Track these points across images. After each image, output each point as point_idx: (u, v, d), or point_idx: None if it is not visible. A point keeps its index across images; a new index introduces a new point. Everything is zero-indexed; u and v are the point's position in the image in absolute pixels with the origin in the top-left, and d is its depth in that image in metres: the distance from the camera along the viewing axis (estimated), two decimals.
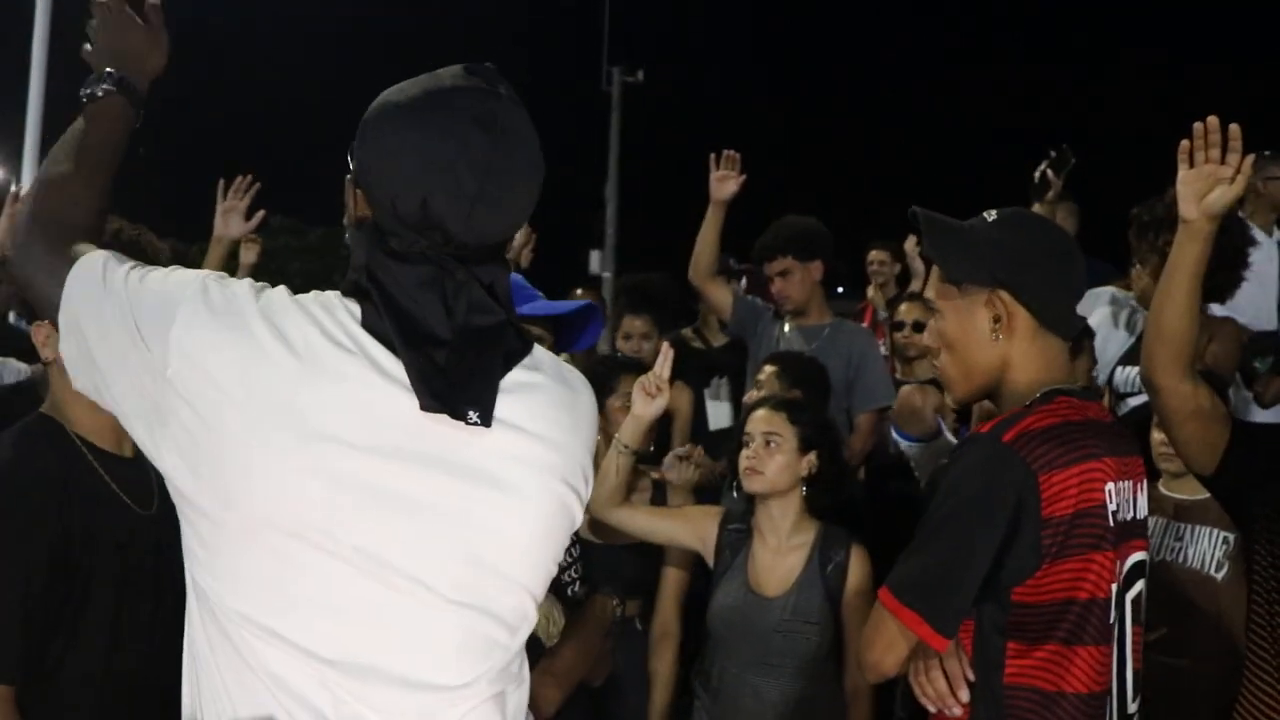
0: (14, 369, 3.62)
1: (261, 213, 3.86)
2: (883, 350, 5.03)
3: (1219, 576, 2.91)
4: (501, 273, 1.42)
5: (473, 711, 1.39)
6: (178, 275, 1.38)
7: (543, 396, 1.44)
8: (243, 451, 1.29)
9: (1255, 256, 4.95)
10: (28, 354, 4.16)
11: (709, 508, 3.24)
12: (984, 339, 1.98)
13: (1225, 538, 2.92)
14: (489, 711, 1.41)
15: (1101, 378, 4.13)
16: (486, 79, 1.38)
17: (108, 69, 1.57)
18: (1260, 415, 4.18)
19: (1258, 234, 5.06)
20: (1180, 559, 3.00)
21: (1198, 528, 2.99)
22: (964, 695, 1.88)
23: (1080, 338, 3.30)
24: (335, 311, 1.35)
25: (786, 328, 4.45)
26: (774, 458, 2.94)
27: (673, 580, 3.28)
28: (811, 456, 2.97)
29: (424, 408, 1.31)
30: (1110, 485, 1.88)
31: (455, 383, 1.32)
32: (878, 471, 4.24)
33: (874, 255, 6.23)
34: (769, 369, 3.79)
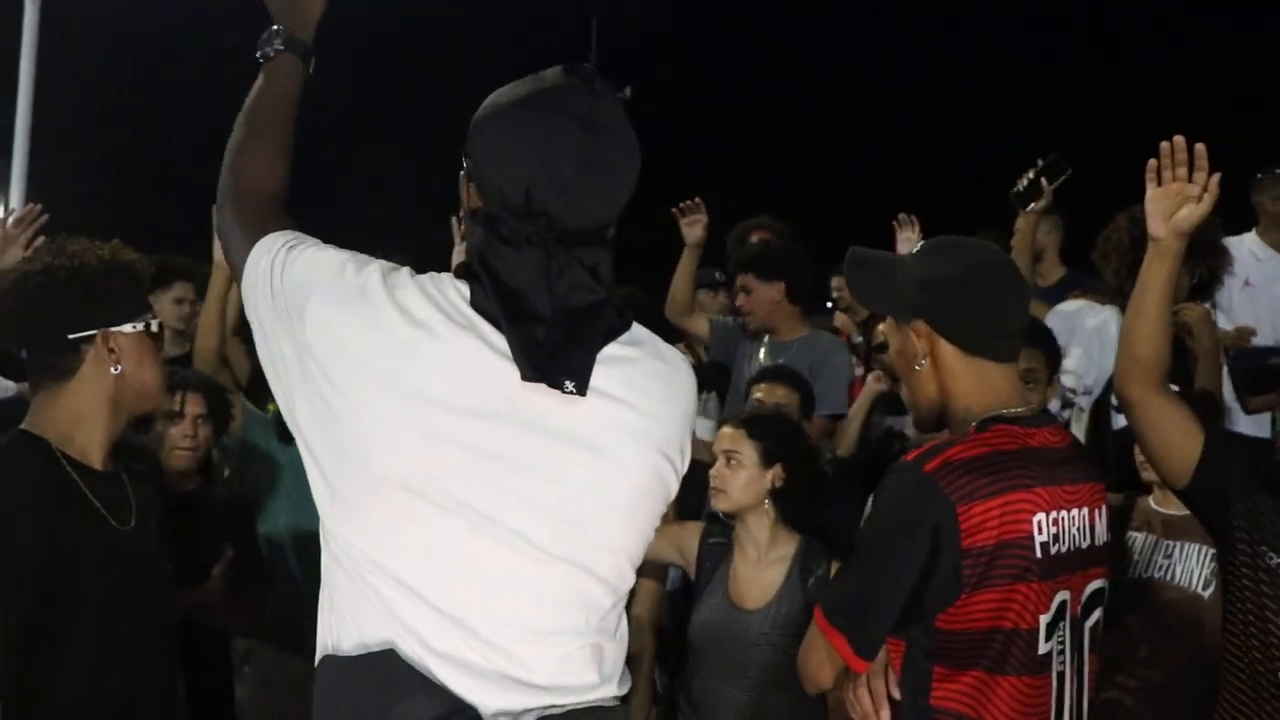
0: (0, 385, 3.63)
1: None
2: (858, 370, 5.03)
3: (1206, 594, 2.89)
4: (604, 255, 1.51)
5: (569, 657, 1.48)
6: (325, 256, 1.53)
7: (640, 369, 1.53)
8: (364, 410, 1.43)
9: (1263, 275, 4.97)
10: (12, 372, 4.19)
11: (690, 523, 3.25)
12: (916, 370, 2.04)
13: (1213, 554, 2.87)
14: (584, 659, 1.50)
15: (1097, 392, 4.12)
16: (584, 78, 1.51)
17: (275, 26, 1.73)
18: (1242, 423, 4.20)
19: (1265, 251, 5.06)
20: (1168, 576, 2.99)
21: (1186, 545, 2.98)
22: (885, 715, 1.92)
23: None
24: (447, 291, 1.48)
25: (762, 350, 4.48)
26: (736, 475, 2.97)
27: (646, 592, 3.29)
28: (777, 469, 2.98)
29: (525, 378, 1.43)
30: (1041, 516, 1.88)
31: (554, 356, 1.44)
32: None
33: (836, 282, 6.10)
34: (761, 387, 3.82)
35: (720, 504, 2.98)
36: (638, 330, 1.57)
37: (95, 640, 2.01)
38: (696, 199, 4.66)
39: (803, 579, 2.93)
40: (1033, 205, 4.01)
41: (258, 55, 1.73)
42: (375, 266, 1.51)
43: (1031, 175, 3.99)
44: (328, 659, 1.49)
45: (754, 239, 4.97)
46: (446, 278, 1.51)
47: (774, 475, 2.98)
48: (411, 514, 1.44)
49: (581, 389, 1.45)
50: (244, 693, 3.48)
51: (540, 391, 1.44)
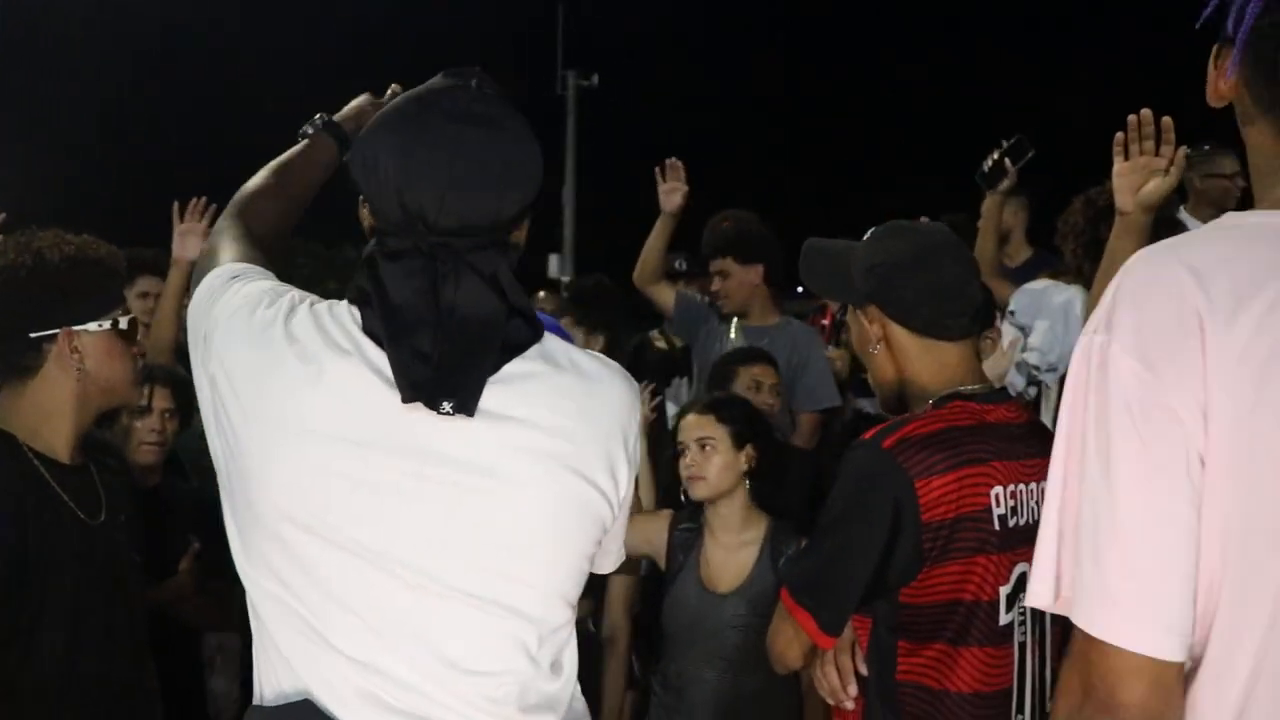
0: None
1: None
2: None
3: None
4: (503, 260, 1.42)
5: (492, 696, 1.40)
6: (249, 289, 1.49)
7: (544, 384, 1.43)
8: (258, 447, 1.40)
9: None
10: None
11: (658, 511, 3.24)
12: (872, 353, 2.08)
13: None
14: (509, 697, 1.41)
15: (1062, 368, 4.14)
16: (460, 76, 1.45)
17: (320, 115, 1.87)
18: None
19: (1194, 225, 5.14)
20: None
21: None
22: (852, 690, 1.95)
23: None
24: (341, 318, 1.43)
25: (732, 330, 4.48)
26: (711, 460, 2.96)
27: (620, 584, 3.29)
28: (749, 449, 2.99)
29: (404, 399, 1.36)
30: (998, 489, 1.92)
31: (439, 372, 1.36)
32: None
33: None
34: (754, 370, 3.82)
35: (699, 491, 2.98)
36: (550, 343, 1.47)
37: (65, 634, 1.99)
38: (676, 160, 4.49)
39: (773, 560, 2.94)
40: (998, 186, 4.02)
41: (299, 132, 1.86)
42: (285, 300, 1.47)
43: (996, 156, 4.01)
44: (251, 709, 1.45)
45: (723, 227, 4.97)
46: (343, 304, 1.45)
47: (746, 456, 2.99)
48: (308, 553, 1.38)
49: (464, 409, 1.36)
50: (217, 687, 3.45)
51: (424, 414, 1.36)
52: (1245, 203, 5.11)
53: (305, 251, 25.17)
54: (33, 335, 2.07)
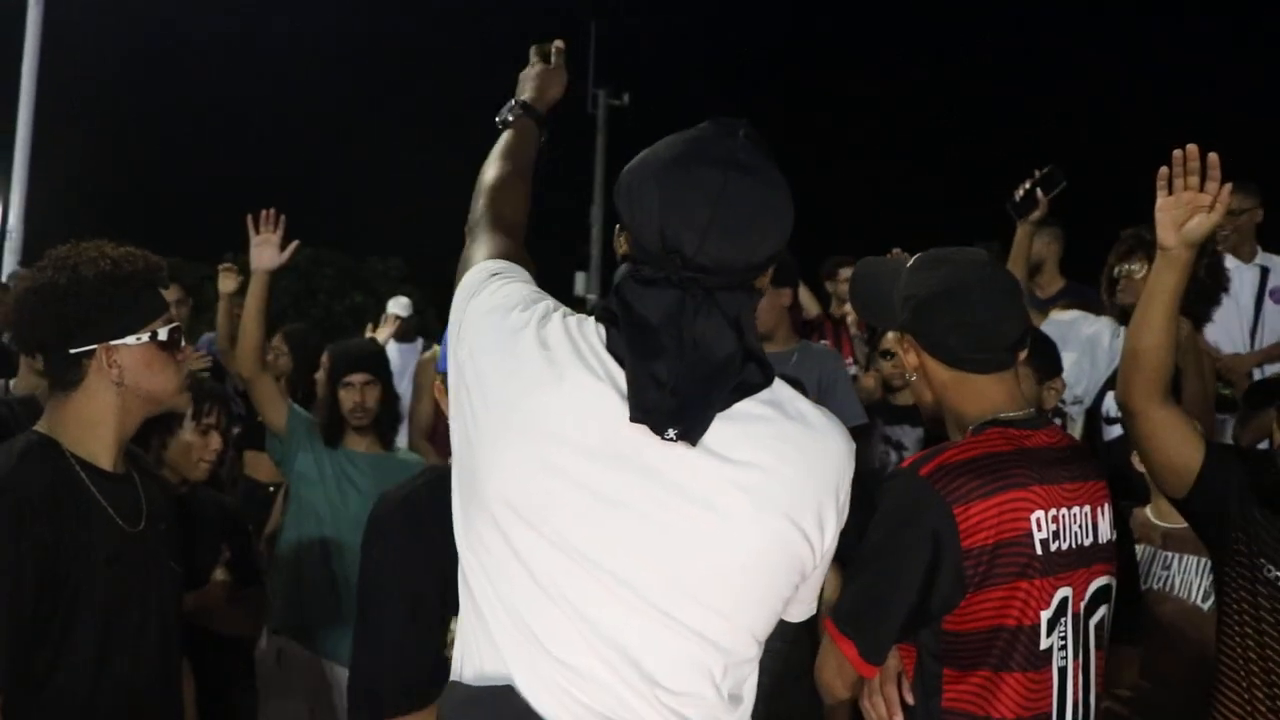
0: None
1: (295, 243, 3.87)
2: (851, 365, 5.04)
3: (1205, 606, 2.88)
4: (748, 304, 1.48)
5: (677, 712, 1.43)
6: (507, 291, 1.59)
7: (769, 429, 1.47)
8: (491, 435, 1.48)
9: (1234, 283, 5.04)
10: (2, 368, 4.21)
11: None
12: (912, 379, 2.12)
13: (1212, 566, 2.79)
14: (693, 717, 1.44)
15: (1088, 401, 4.11)
16: (727, 126, 1.51)
17: (514, 100, 2.00)
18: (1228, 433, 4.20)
19: (1232, 261, 5.14)
20: (1167, 588, 2.98)
21: (1185, 557, 2.97)
22: (898, 719, 1.95)
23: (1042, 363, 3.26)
24: (588, 333, 1.50)
25: None
26: None
27: None
28: None
29: (631, 418, 1.41)
30: (1039, 514, 1.92)
31: (673, 400, 1.40)
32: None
33: (844, 275, 6.05)
34: None
35: None
36: (779, 389, 1.51)
37: (96, 637, 2.02)
38: None
39: None
40: (1029, 216, 4.00)
41: (496, 121, 1.98)
42: (540, 307, 1.54)
43: (1028, 186, 3.99)
44: (452, 684, 1.52)
45: None
46: (590, 321, 1.52)
47: None
48: (523, 545, 1.45)
49: (687, 437, 1.41)
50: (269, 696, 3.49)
51: (652, 436, 1.41)
52: (1266, 234, 5.09)
53: (331, 263, 25.32)
54: (72, 351, 2.11)
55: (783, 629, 2.78)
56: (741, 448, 1.44)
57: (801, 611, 1.63)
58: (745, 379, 1.46)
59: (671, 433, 1.40)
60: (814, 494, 1.48)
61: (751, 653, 1.50)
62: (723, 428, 1.43)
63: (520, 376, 1.47)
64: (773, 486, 1.44)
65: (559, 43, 2.12)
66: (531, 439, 1.44)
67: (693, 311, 1.44)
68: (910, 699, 1.96)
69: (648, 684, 1.42)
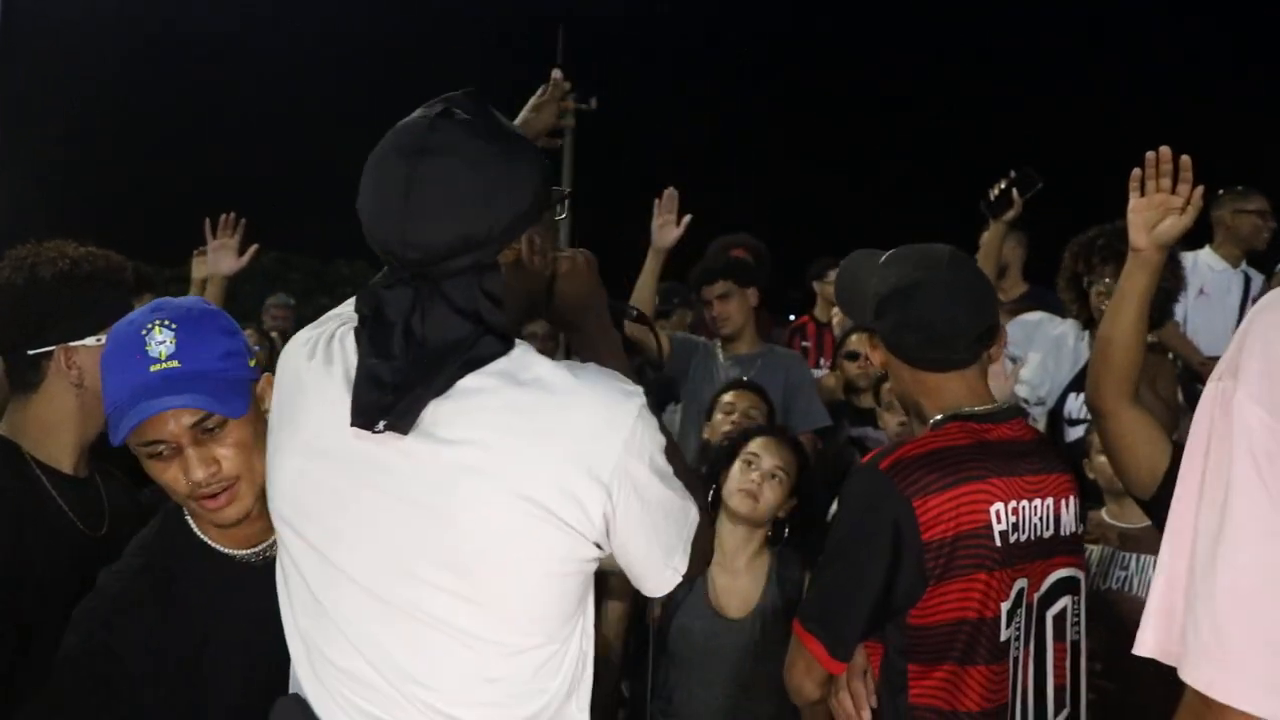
0: None
1: (254, 247, 3.82)
2: (822, 365, 5.11)
3: None
4: (472, 286, 1.42)
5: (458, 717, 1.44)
6: (322, 318, 1.65)
7: (493, 400, 1.40)
8: (270, 451, 1.57)
9: (1218, 286, 5.14)
10: None
11: None
12: (889, 373, 2.14)
13: None
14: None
15: (1050, 403, 4.13)
16: (428, 108, 1.47)
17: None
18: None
19: (1220, 264, 5.24)
20: (1126, 588, 3.00)
21: (1143, 556, 2.99)
22: (866, 716, 1.96)
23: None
24: (347, 343, 1.51)
25: (721, 358, 4.47)
26: (774, 491, 2.97)
27: (614, 614, 3.27)
28: (794, 501, 3.01)
29: (351, 423, 1.40)
30: (999, 506, 1.93)
31: (392, 395, 1.39)
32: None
33: (831, 276, 6.08)
34: (742, 395, 3.85)
35: (743, 507, 2.96)
36: (522, 358, 1.43)
37: (58, 643, 1.94)
38: (673, 190, 4.29)
39: (780, 583, 2.94)
40: (1002, 215, 3.99)
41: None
42: (332, 324, 1.58)
43: (1003, 185, 3.97)
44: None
45: (734, 255, 4.97)
46: (350, 329, 1.54)
47: (790, 505, 3.01)
48: (299, 555, 1.51)
49: (397, 427, 1.38)
50: None
51: (377, 437, 1.39)
52: (1275, 242, 5.20)
53: (298, 266, 25.14)
54: (30, 353, 2.07)
55: (779, 633, 2.82)
56: (457, 426, 1.39)
57: (651, 585, 1.56)
58: (475, 354, 1.41)
59: (381, 425, 1.38)
60: (553, 463, 1.38)
61: (532, 640, 1.44)
62: (441, 409, 1.39)
63: (283, 390, 1.56)
64: (495, 461, 1.37)
65: (557, 73, 2.11)
66: (291, 451, 1.50)
67: (422, 308, 1.42)
68: (873, 700, 1.96)
69: (414, 686, 1.42)
